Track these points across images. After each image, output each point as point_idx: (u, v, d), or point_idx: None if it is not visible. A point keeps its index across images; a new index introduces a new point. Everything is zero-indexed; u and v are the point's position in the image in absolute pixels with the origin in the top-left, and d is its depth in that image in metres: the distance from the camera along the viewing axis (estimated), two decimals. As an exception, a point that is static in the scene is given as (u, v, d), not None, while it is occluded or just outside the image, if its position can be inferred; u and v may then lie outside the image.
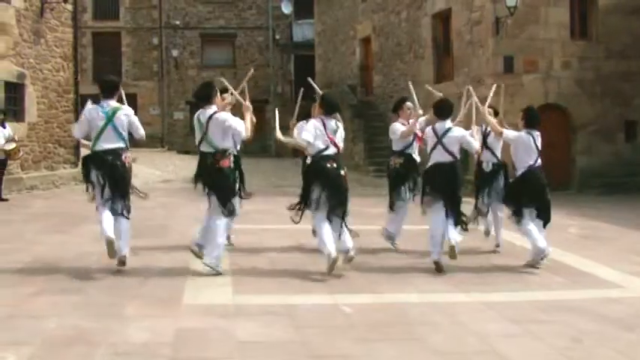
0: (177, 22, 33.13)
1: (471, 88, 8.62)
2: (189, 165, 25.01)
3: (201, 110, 7.23)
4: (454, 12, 17.61)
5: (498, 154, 8.74)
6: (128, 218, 7.15)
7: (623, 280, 7.34)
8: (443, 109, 7.76)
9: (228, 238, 8.12)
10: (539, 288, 6.91)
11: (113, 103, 7.15)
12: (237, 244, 8.80)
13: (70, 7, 17.41)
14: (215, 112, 7.12)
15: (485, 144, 8.56)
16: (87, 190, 7.25)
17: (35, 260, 7.76)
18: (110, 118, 6.99)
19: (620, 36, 16.92)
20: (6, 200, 13.48)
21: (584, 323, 5.63)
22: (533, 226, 7.78)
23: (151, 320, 5.46)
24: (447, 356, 4.80)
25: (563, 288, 7.01)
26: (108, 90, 7.22)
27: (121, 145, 7.06)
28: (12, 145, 13.49)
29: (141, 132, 7.30)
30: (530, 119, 7.99)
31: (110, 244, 6.81)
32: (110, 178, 6.98)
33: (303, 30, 33.66)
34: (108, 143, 7.00)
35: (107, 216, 6.95)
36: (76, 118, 17.90)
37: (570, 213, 12.72)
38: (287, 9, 32.46)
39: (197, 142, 7.24)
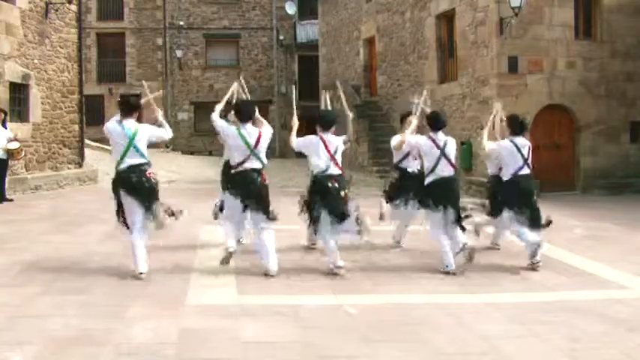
0: (182, 23, 33.17)
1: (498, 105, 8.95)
2: (193, 166, 25.06)
3: (241, 125, 7.26)
4: (458, 12, 17.58)
5: None
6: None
7: (628, 281, 7.32)
8: (438, 121, 7.81)
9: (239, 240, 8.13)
10: (544, 289, 6.90)
11: (133, 123, 7.26)
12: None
13: (74, 7, 17.43)
14: (260, 130, 7.34)
15: None
16: (118, 218, 7.38)
17: (40, 260, 7.78)
18: (132, 138, 7.13)
19: (624, 36, 16.87)
20: (11, 200, 13.50)
21: (589, 324, 5.62)
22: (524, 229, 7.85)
23: (156, 320, 5.47)
24: (451, 357, 4.79)
25: (568, 289, 6.99)
26: (127, 109, 7.34)
27: (144, 160, 7.21)
28: (16, 145, 13.51)
29: (161, 134, 7.54)
30: (514, 127, 8.06)
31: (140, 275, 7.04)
32: (138, 194, 7.12)
33: (306, 30, 33.68)
34: (132, 160, 7.15)
35: (141, 248, 7.17)
36: (81, 119, 17.96)
37: (575, 214, 12.70)
38: (291, 9, 32.48)
39: (242, 159, 7.23)
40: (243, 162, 7.24)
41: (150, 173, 7.24)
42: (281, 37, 33.47)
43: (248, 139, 7.20)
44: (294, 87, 8.27)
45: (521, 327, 5.51)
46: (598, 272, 7.74)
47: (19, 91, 15.43)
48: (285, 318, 5.62)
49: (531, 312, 6.00)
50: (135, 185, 7.13)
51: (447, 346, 4.98)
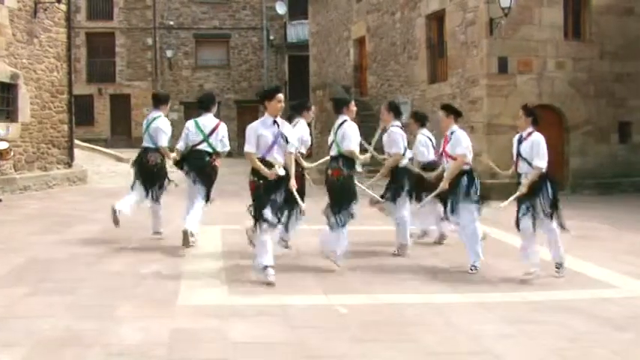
0: (172, 23, 33.09)
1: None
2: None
3: (203, 114, 8.62)
4: (448, 13, 17.62)
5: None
6: (158, 203, 9.22)
7: (617, 280, 7.36)
8: (398, 109, 8.83)
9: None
10: (533, 288, 6.92)
11: (156, 113, 9.05)
12: (230, 244, 8.85)
13: (63, 7, 17.33)
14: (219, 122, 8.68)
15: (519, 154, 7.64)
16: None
17: (29, 261, 7.74)
18: (148, 125, 8.97)
19: (613, 37, 16.95)
20: (-1, 201, 13.43)
21: (579, 323, 5.64)
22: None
23: (145, 321, 5.45)
24: (442, 356, 4.80)
25: (558, 288, 7.02)
26: (155, 101, 9.30)
27: (151, 146, 8.94)
28: (5, 145, 13.43)
29: (160, 142, 8.88)
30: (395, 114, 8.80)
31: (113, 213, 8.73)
32: (140, 171, 8.96)
33: (297, 30, 33.66)
34: (145, 143, 9.04)
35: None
36: (70, 119, 17.87)
37: (564, 213, 12.71)
38: (281, 9, 32.45)
39: (197, 143, 8.55)
40: (197, 145, 8.48)
41: (150, 157, 8.90)
42: (271, 37, 33.45)
43: (202, 128, 8.49)
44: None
45: (512, 326, 5.53)
46: (587, 271, 7.78)
47: (7, 91, 15.33)
48: (275, 318, 5.61)
49: (521, 311, 6.02)
50: (140, 164, 8.98)
51: (438, 346, 4.99)
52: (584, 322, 5.70)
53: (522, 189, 7.30)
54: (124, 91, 32.95)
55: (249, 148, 6.85)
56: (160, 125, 8.86)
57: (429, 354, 4.82)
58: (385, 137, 8.61)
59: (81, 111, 26.73)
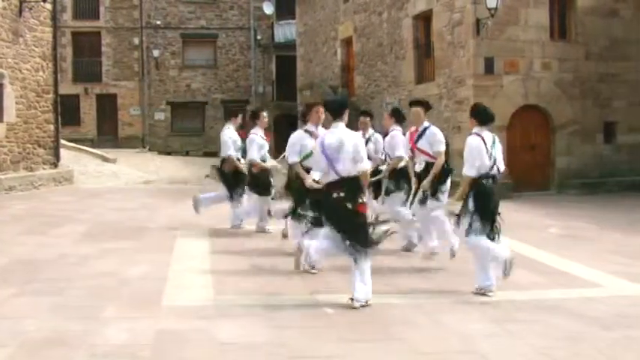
0: (158, 22, 32.97)
1: None
2: (171, 166, 24.94)
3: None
4: (435, 13, 17.66)
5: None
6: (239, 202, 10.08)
7: (603, 280, 7.40)
8: (401, 115, 8.97)
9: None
10: (519, 288, 6.94)
11: (226, 126, 10.29)
12: (217, 244, 8.83)
13: (49, 6, 17.22)
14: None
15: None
16: None
17: (14, 262, 7.69)
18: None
19: (598, 38, 17.06)
20: (-16, 201, 13.33)
21: (564, 322, 5.67)
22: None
23: (131, 322, 5.42)
24: (428, 356, 4.81)
25: (543, 287, 7.05)
26: (225, 115, 11.11)
27: (222, 155, 10.12)
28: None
29: (223, 152, 10.03)
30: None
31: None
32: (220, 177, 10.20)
33: (284, 30, 33.66)
34: (221, 153, 10.23)
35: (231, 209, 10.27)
36: (56, 119, 17.78)
37: (550, 213, 12.81)
38: (269, 9, 32.43)
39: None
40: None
41: (224, 165, 10.02)
42: (259, 37, 33.41)
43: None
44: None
45: (498, 326, 5.55)
46: (573, 271, 7.82)
47: (-8, 91, 15.22)
48: (261, 318, 5.60)
49: (507, 311, 6.04)
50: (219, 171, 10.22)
51: (424, 346, 5.00)
52: (571, 321, 5.73)
53: (456, 197, 6.72)
54: (110, 90, 32.80)
55: (366, 164, 6.41)
56: (223, 137, 10.07)
57: (416, 354, 4.83)
58: (388, 140, 8.82)
59: (67, 111, 26.59)
